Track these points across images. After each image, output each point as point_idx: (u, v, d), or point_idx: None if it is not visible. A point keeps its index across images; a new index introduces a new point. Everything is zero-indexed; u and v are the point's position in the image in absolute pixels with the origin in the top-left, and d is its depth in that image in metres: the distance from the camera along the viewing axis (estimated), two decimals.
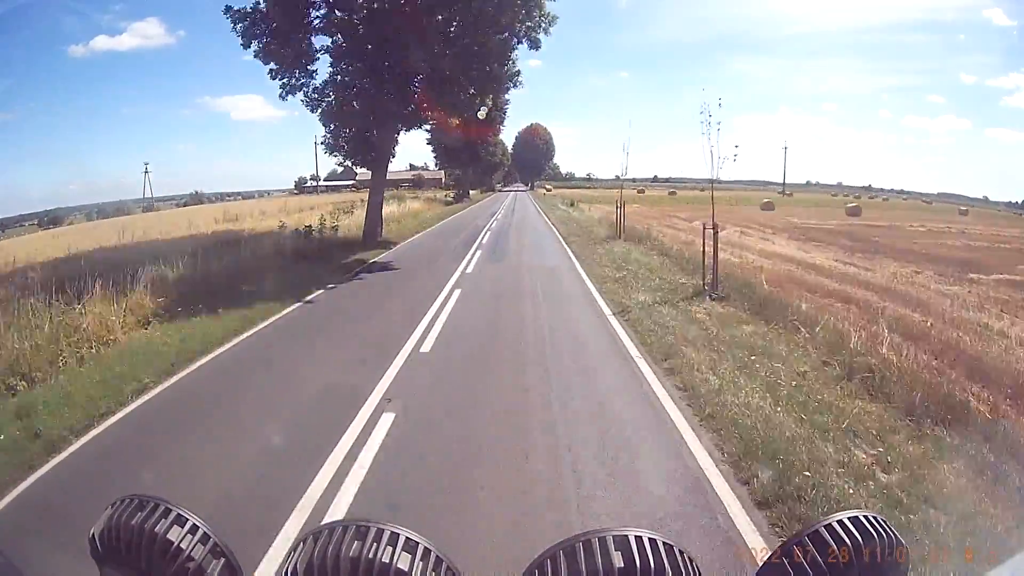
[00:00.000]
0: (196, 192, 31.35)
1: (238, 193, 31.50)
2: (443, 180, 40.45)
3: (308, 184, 36.59)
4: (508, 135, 43.55)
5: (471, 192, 43.06)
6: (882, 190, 32.02)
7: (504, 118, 33.32)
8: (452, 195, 37.98)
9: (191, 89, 37.28)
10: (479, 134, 31.07)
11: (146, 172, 28.31)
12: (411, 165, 41.78)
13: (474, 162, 37.01)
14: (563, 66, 43.78)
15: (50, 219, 23.88)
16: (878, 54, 38.47)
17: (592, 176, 47.30)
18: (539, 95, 48.48)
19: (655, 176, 43.52)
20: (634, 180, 43.86)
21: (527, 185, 50.20)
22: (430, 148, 33.65)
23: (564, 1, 29.70)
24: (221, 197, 30.50)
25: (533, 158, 45.75)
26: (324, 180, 38.33)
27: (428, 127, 32.75)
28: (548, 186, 48.45)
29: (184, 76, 35.12)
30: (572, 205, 34.43)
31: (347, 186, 37.44)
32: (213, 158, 38.82)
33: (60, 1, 26.18)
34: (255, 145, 39.96)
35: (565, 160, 45.67)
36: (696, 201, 30.58)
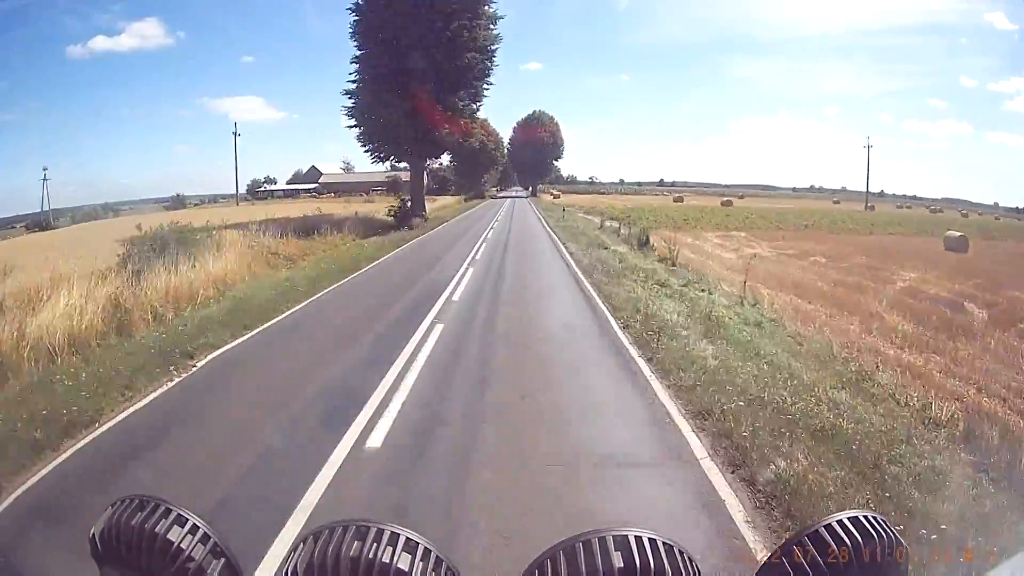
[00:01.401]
0: (178, 195, 29.20)
1: (231, 195, 30.77)
2: (426, 182, 30.10)
3: (262, 188, 31.36)
4: (505, 128, 35.63)
5: (441, 200, 29.96)
6: (894, 196, 31.67)
7: (487, 71, 23.05)
8: (396, 210, 23.30)
9: (190, 90, 36.70)
10: (438, 112, 21.99)
11: (44, 179, 22.98)
12: (392, 166, 31.65)
13: (433, 150, 24.70)
14: (562, 69, 40.43)
15: (38, 223, 23.13)
16: (879, 57, 38.27)
17: (595, 179, 40.87)
18: (539, 96, 45.01)
19: (661, 179, 40.39)
20: (640, 184, 40.81)
21: (527, 189, 40.81)
22: (353, 123, 23.16)
23: (564, 4, 27.51)
24: (214, 199, 29.90)
25: (536, 156, 34.92)
26: (287, 183, 33.35)
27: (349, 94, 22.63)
28: (555, 191, 38.50)
29: (183, 77, 34.65)
30: (647, 244, 17.26)
31: (307, 191, 31.95)
32: (211, 159, 38.16)
33: (60, 1, 25.73)
34: (255, 147, 38.96)
35: (565, 162, 40.66)
36: (788, 220, 22.51)
